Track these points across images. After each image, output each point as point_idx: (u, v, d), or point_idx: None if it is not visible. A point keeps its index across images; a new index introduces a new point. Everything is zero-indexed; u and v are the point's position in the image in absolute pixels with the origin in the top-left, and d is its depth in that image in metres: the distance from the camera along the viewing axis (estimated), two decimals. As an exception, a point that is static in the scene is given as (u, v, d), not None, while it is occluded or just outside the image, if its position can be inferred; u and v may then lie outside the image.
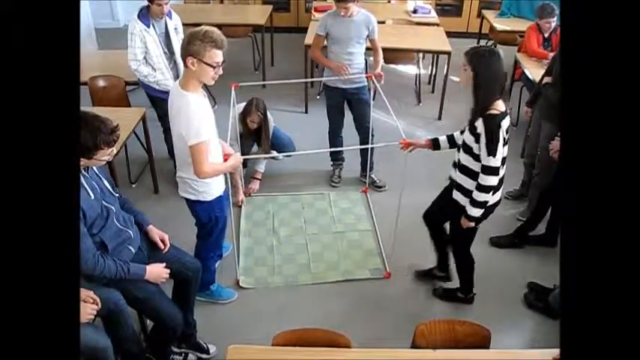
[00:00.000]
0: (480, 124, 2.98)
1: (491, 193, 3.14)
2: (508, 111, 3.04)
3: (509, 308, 3.83)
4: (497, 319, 3.67)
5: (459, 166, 3.23)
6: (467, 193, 3.21)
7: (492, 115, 2.95)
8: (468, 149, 3.11)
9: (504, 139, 2.99)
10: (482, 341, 2.54)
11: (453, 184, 3.35)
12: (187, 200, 3.35)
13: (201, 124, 2.94)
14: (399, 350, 2.56)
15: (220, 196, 3.37)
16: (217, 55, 2.90)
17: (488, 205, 3.22)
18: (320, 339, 2.51)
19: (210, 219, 3.42)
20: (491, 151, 2.97)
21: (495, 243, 4.28)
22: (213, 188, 3.28)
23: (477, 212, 3.20)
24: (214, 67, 2.92)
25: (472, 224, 3.28)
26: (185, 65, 2.92)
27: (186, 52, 2.87)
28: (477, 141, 3.02)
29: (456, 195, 3.32)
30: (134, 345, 3.03)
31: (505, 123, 2.98)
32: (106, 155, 2.59)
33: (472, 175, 3.14)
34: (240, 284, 3.99)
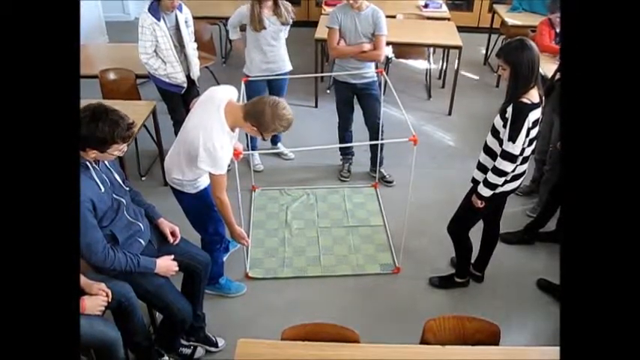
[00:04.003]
0: (509, 110, 3.05)
1: (503, 178, 3.21)
2: (541, 103, 3.10)
3: (519, 305, 3.82)
4: (507, 315, 3.67)
5: (485, 147, 3.32)
6: (486, 172, 3.29)
7: (522, 103, 3.02)
8: (495, 132, 3.20)
9: (528, 129, 3.04)
10: (491, 338, 2.54)
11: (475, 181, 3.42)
12: (172, 190, 3.37)
13: (225, 160, 3.00)
14: (408, 346, 2.55)
15: (206, 188, 3.36)
16: (271, 133, 3.08)
17: (497, 192, 3.30)
18: (329, 334, 2.51)
19: (194, 208, 3.42)
20: (512, 137, 3.05)
21: (505, 239, 4.26)
22: (200, 182, 3.31)
23: (486, 192, 3.29)
24: (264, 139, 3.15)
25: (480, 204, 3.37)
26: (245, 118, 2.99)
27: (258, 122, 2.97)
28: (505, 126, 3.09)
29: (476, 174, 3.40)
30: (143, 338, 3.04)
31: (533, 115, 3.04)
32: (118, 150, 2.60)
33: (495, 157, 3.21)
34: (249, 274, 4.00)
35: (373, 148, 5.04)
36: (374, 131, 4.84)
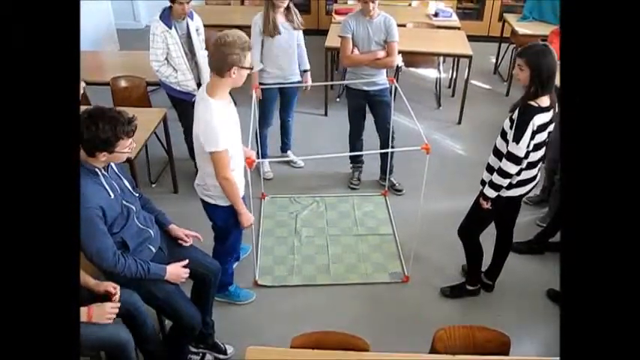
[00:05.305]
0: (516, 112, 3.08)
1: (507, 179, 3.24)
2: (551, 108, 3.10)
3: (529, 315, 3.80)
4: (517, 325, 3.65)
5: (494, 149, 3.34)
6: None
7: (529, 106, 3.04)
8: (503, 134, 3.22)
9: (533, 132, 3.05)
10: (501, 348, 2.52)
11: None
12: (204, 203, 3.36)
13: (220, 133, 2.96)
14: (418, 355, 2.55)
15: None
16: (249, 57, 2.96)
17: (504, 196, 3.34)
18: (338, 342, 2.50)
19: (226, 223, 3.42)
20: (516, 138, 3.07)
21: (515, 249, 4.23)
22: None
23: (491, 193, 3.32)
24: (251, 69, 2.99)
25: (485, 205, 3.38)
26: (221, 75, 2.95)
27: (226, 64, 2.90)
28: (512, 127, 3.11)
29: (485, 175, 3.41)
30: (154, 345, 3.04)
31: (539, 118, 3.05)
32: (126, 148, 2.61)
33: (502, 158, 3.23)
34: (259, 282, 4.01)
35: (383, 156, 5.04)
36: (385, 138, 4.84)
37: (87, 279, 2.74)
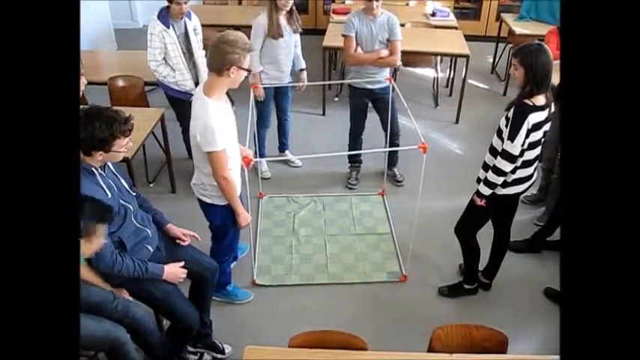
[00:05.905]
0: (511, 110, 3.10)
1: (502, 177, 3.25)
2: (547, 106, 3.11)
3: (526, 313, 3.81)
4: (514, 324, 3.65)
5: (490, 147, 3.35)
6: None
7: (524, 104, 3.06)
8: (499, 132, 3.24)
9: (528, 130, 3.06)
10: (498, 346, 2.53)
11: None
12: (201, 202, 3.36)
13: (217, 133, 2.95)
14: (416, 354, 2.55)
15: None
16: (249, 59, 2.98)
17: (499, 194, 3.35)
18: (337, 341, 2.50)
19: (223, 223, 3.42)
20: (511, 137, 3.09)
21: (512, 247, 4.23)
22: None
23: (485, 190, 3.34)
24: (249, 71, 3.00)
25: (480, 202, 3.41)
26: (219, 74, 2.95)
27: (226, 63, 2.89)
28: (507, 125, 3.12)
29: (481, 173, 3.43)
30: (153, 344, 3.05)
31: (534, 117, 3.06)
32: (122, 147, 2.60)
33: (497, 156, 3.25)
34: (257, 281, 4.01)
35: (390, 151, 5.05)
36: (393, 134, 4.88)
37: (94, 279, 2.72)
